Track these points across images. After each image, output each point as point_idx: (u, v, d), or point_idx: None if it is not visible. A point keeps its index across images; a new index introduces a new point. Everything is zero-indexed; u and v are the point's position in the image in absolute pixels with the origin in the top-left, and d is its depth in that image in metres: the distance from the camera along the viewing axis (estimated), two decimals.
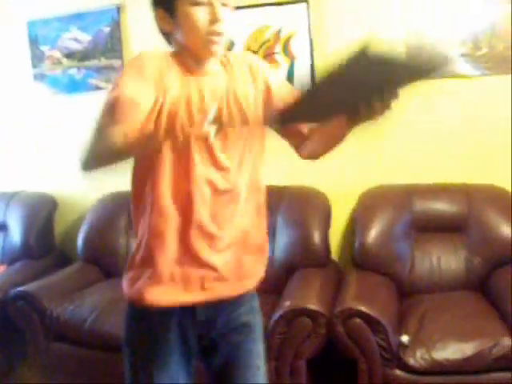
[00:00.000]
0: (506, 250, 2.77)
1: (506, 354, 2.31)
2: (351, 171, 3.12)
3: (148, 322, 1.53)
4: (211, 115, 1.25)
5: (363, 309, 2.40)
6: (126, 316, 1.58)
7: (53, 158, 3.62)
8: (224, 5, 1.42)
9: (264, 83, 1.56)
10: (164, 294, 1.49)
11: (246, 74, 1.55)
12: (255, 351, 1.62)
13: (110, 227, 3.24)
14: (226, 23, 1.42)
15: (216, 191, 1.48)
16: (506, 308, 2.52)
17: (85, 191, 3.53)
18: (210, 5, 1.40)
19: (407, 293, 2.80)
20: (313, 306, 2.46)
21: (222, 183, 1.48)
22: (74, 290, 2.98)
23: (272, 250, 2.90)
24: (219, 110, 1.32)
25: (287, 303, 2.51)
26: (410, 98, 2.91)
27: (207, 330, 1.56)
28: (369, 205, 3.00)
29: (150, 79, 1.38)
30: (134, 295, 1.51)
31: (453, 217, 2.88)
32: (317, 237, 2.91)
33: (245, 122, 1.49)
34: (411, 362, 2.36)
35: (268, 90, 1.56)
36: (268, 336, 2.50)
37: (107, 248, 3.21)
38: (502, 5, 2.81)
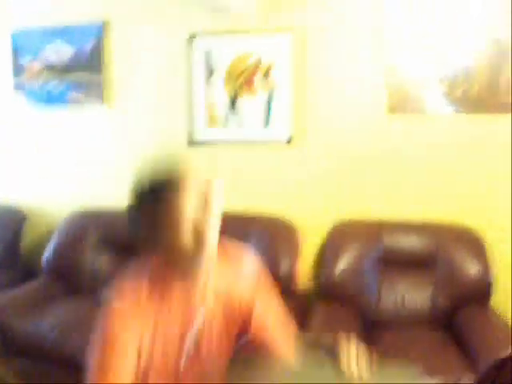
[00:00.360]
0: (471, 289, 2.80)
1: None
2: (323, 204, 3.15)
3: None
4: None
5: (326, 342, 2.38)
6: None
7: (24, 170, 3.59)
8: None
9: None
10: None
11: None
12: None
13: (77, 244, 3.20)
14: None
15: None
16: (468, 346, 2.54)
17: (54, 205, 3.51)
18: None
19: (372, 326, 2.80)
20: None
21: None
22: (36, 305, 2.93)
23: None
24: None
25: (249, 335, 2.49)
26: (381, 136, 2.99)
27: None
28: (339, 237, 3.01)
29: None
30: None
31: (421, 253, 2.90)
32: (285, 266, 2.91)
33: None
34: None
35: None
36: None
37: (73, 264, 3.17)
38: (478, 46, 2.89)
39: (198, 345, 1.46)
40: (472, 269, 2.81)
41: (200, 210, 1.35)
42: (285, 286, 2.89)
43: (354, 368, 1.46)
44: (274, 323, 1.60)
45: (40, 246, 3.38)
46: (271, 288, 1.60)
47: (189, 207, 1.33)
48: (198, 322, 1.44)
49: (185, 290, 1.43)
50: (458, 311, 2.78)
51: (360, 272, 2.89)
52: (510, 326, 2.58)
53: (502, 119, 2.91)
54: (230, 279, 1.51)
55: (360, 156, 3.09)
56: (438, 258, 2.88)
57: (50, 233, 3.34)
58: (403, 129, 3.04)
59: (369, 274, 2.88)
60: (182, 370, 1.45)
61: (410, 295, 2.86)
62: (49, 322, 2.77)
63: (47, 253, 3.22)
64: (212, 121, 3.22)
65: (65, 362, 2.63)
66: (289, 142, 3.14)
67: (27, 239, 3.52)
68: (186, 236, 1.33)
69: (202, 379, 1.50)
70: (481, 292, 2.81)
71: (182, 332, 1.43)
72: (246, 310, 1.54)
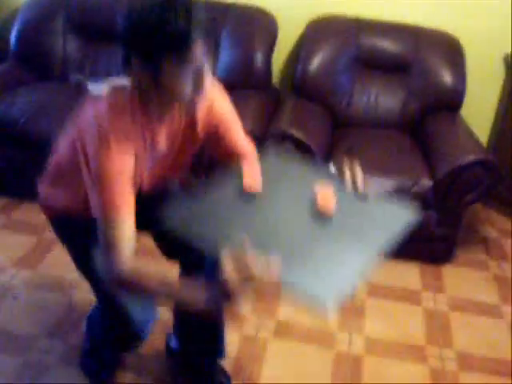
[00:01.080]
0: (442, 97, 2.82)
1: (424, 193, 2.45)
2: None
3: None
4: None
5: (295, 133, 2.43)
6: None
7: None
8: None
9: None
10: None
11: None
12: None
13: (45, 27, 3.03)
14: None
15: None
16: (431, 151, 2.62)
17: None
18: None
19: (341, 125, 2.85)
20: (246, 125, 2.45)
21: None
22: (6, 89, 2.85)
23: (214, 69, 2.84)
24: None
25: None
26: None
27: None
28: (316, 33, 2.92)
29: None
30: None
31: (398, 57, 2.86)
32: (259, 58, 2.84)
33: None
34: None
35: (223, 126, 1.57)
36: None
37: (42, 48, 3.03)
38: None
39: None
40: (446, 76, 2.80)
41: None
42: (259, 79, 2.89)
43: (360, 185, 1.53)
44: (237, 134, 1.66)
45: (7, 28, 3.20)
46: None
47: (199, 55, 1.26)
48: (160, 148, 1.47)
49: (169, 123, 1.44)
50: (427, 117, 2.82)
51: (334, 70, 2.85)
52: (474, 136, 2.63)
53: None
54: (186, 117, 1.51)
55: None
56: (414, 62, 2.85)
57: (15, 13, 3.15)
58: None
59: (343, 73, 2.85)
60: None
61: (382, 97, 2.88)
62: (19, 107, 2.71)
63: (14, 34, 3.05)
64: None
65: (34, 146, 2.62)
66: None
67: None
68: (188, 84, 1.29)
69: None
70: (452, 100, 2.84)
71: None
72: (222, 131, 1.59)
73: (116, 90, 1.37)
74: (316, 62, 2.84)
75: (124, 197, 1.34)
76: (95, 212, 1.36)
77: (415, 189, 2.45)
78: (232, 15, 2.90)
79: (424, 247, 2.61)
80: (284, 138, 2.43)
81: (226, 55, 2.88)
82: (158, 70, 1.26)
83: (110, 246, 1.33)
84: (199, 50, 1.25)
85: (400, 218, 1.41)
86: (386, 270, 2.53)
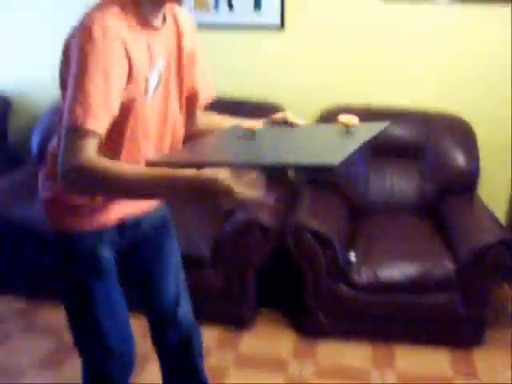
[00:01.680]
0: (458, 179, 2.84)
1: (447, 278, 2.43)
2: (313, 89, 3.09)
3: (86, 241, 1.49)
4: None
5: (314, 225, 2.45)
6: (56, 241, 1.51)
7: (8, 55, 3.47)
8: None
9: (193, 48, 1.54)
10: (112, 214, 1.49)
11: (189, 33, 1.52)
12: (174, 243, 1.72)
13: None
14: None
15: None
16: (451, 234, 2.61)
17: (40, 92, 3.42)
18: None
19: (359, 213, 2.85)
20: (265, 219, 2.49)
21: None
22: (25, 193, 2.91)
23: None
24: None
25: (240, 215, 2.54)
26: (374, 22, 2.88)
27: (132, 238, 1.59)
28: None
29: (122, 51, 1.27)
30: (72, 222, 1.46)
31: (410, 142, 2.90)
32: None
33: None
34: (356, 278, 2.45)
35: (193, 58, 1.54)
36: (219, 246, 2.55)
37: None
38: None
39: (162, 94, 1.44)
40: (459, 158, 2.83)
41: None
42: (274, 172, 2.91)
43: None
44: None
45: (27, 134, 3.31)
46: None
47: None
48: (158, 65, 1.40)
49: (149, 35, 1.38)
50: (444, 200, 2.83)
51: (349, 159, 2.87)
52: (493, 216, 2.63)
53: (498, 11, 2.81)
54: (175, 36, 1.48)
55: (352, 42, 3.00)
56: (427, 146, 2.88)
57: (36, 120, 3.28)
58: (396, 15, 2.94)
59: (357, 161, 2.89)
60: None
61: (398, 183, 2.89)
62: (37, 210, 2.76)
63: (35, 140, 3.18)
64: (200, 3, 3.09)
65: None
66: (281, 26, 3.03)
67: (14, 127, 3.46)
68: None
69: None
70: (467, 182, 2.85)
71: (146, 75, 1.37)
72: (191, 62, 1.54)
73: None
74: None
75: (105, 106, 1.22)
76: (65, 117, 1.22)
77: (438, 273, 2.43)
78: (244, 112, 2.97)
79: (452, 331, 2.54)
80: (302, 230, 2.44)
81: None
82: None
83: (71, 152, 1.20)
84: None
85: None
86: (415, 357, 2.47)
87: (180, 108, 1.53)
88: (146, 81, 1.35)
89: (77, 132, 1.20)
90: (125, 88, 1.29)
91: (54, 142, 1.47)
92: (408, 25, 2.95)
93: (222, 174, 1.12)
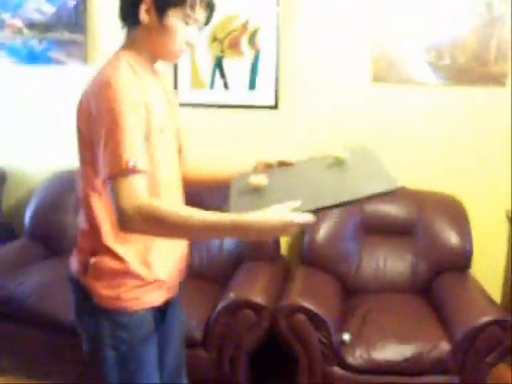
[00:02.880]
0: (450, 257, 2.83)
1: (443, 358, 2.38)
2: None
3: (138, 323, 1.52)
4: None
5: (307, 305, 2.41)
6: (107, 322, 1.50)
7: (4, 129, 3.53)
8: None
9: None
10: (162, 295, 1.57)
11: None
12: (182, 315, 1.78)
13: (58, 205, 3.17)
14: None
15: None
16: (446, 313, 2.58)
17: (35, 166, 3.46)
18: (196, 27, 1.47)
19: (352, 292, 2.83)
20: (257, 298, 2.46)
21: None
22: (17, 267, 2.91)
23: (222, 241, 2.90)
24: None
25: (232, 295, 2.51)
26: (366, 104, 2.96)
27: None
28: None
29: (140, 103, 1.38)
30: (127, 302, 1.49)
31: (402, 221, 2.92)
32: None
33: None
34: (350, 360, 2.40)
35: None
36: (211, 326, 2.51)
37: (55, 225, 3.14)
38: (466, 18, 2.85)
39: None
40: (452, 237, 2.83)
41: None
42: (267, 250, 2.92)
43: None
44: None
45: (21, 207, 3.34)
46: None
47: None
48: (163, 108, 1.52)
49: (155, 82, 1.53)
50: (438, 278, 2.81)
51: (341, 238, 2.90)
52: (487, 295, 2.61)
53: (489, 92, 2.90)
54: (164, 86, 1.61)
55: (345, 122, 3.07)
56: (419, 225, 2.89)
57: (30, 194, 3.30)
58: (388, 96, 3.02)
59: (349, 240, 2.89)
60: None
61: (390, 262, 2.89)
62: (30, 284, 2.76)
63: (28, 214, 3.19)
64: (196, 83, 3.17)
65: (45, 324, 2.63)
66: (275, 106, 3.10)
67: (8, 200, 3.48)
68: (171, 51, 1.48)
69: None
70: (460, 260, 2.84)
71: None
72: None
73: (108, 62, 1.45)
74: (322, 232, 2.88)
75: (142, 146, 1.33)
76: (105, 169, 1.31)
77: (434, 354, 2.39)
78: None
79: None
80: (295, 309, 2.41)
81: None
82: (167, 14, 1.41)
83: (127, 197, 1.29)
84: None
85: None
86: None
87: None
88: (159, 123, 1.44)
89: (126, 175, 1.29)
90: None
91: (80, 218, 1.53)
92: (398, 105, 3.03)
93: (284, 211, 1.28)
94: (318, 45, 3.05)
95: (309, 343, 2.41)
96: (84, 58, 3.32)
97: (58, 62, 3.36)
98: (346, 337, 2.44)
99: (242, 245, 2.90)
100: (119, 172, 1.29)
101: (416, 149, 3.04)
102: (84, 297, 1.50)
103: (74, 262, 1.55)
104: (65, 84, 3.38)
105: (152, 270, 1.50)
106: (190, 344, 2.47)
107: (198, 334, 2.51)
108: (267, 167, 1.73)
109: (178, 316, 1.72)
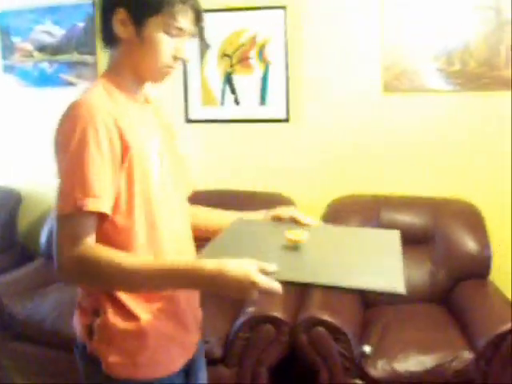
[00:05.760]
0: (470, 264, 2.80)
1: (466, 367, 2.34)
2: (320, 181, 3.14)
3: None
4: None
5: (327, 318, 2.40)
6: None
7: (19, 151, 3.56)
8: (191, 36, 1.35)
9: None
10: (181, 356, 1.38)
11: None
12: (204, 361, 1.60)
13: None
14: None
15: None
16: (467, 321, 2.55)
17: (50, 187, 3.46)
18: (181, 39, 1.32)
19: (371, 303, 2.80)
20: (276, 313, 2.45)
21: None
22: (34, 288, 2.93)
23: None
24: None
25: (251, 309, 2.50)
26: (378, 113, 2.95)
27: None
28: (337, 213, 2.98)
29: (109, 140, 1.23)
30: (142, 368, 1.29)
31: (419, 229, 2.90)
32: None
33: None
34: (372, 372, 2.37)
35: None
36: (230, 342, 2.50)
37: None
38: (475, 23, 2.85)
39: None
40: (470, 244, 2.80)
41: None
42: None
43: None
44: None
45: (37, 229, 3.37)
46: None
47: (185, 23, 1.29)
48: (156, 141, 1.36)
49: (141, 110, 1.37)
50: (457, 286, 2.78)
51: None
52: (508, 301, 2.58)
53: (501, 97, 2.88)
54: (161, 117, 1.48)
55: (357, 132, 3.07)
56: (437, 233, 2.87)
57: (46, 215, 3.33)
58: (400, 105, 3.01)
59: None
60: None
61: (409, 271, 2.84)
62: (47, 305, 2.78)
63: (44, 234, 3.20)
64: (207, 99, 3.18)
65: (63, 345, 2.61)
66: (286, 119, 3.11)
67: (24, 221, 3.51)
68: (156, 68, 1.32)
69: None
70: (479, 267, 2.81)
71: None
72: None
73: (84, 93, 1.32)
74: None
75: (104, 185, 1.17)
76: (57, 205, 1.18)
77: (456, 363, 2.35)
78: (254, 203, 3.00)
79: None
80: (315, 322, 2.39)
81: None
82: (144, 25, 1.26)
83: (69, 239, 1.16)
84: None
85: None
86: None
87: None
88: (147, 156, 1.30)
89: (74, 217, 1.16)
90: (123, 163, 1.24)
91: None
92: (410, 113, 3.02)
93: (250, 269, 1.09)
94: (327, 56, 3.05)
95: (329, 356, 2.39)
96: (95, 79, 3.33)
97: (69, 84, 3.40)
98: (367, 349, 2.41)
99: None
100: (66, 214, 1.17)
101: (431, 156, 3.02)
102: (93, 365, 1.30)
103: (76, 325, 1.36)
104: None
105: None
106: (211, 361, 2.46)
107: (217, 351, 2.50)
108: (276, 220, 1.51)
109: (201, 377, 1.53)
